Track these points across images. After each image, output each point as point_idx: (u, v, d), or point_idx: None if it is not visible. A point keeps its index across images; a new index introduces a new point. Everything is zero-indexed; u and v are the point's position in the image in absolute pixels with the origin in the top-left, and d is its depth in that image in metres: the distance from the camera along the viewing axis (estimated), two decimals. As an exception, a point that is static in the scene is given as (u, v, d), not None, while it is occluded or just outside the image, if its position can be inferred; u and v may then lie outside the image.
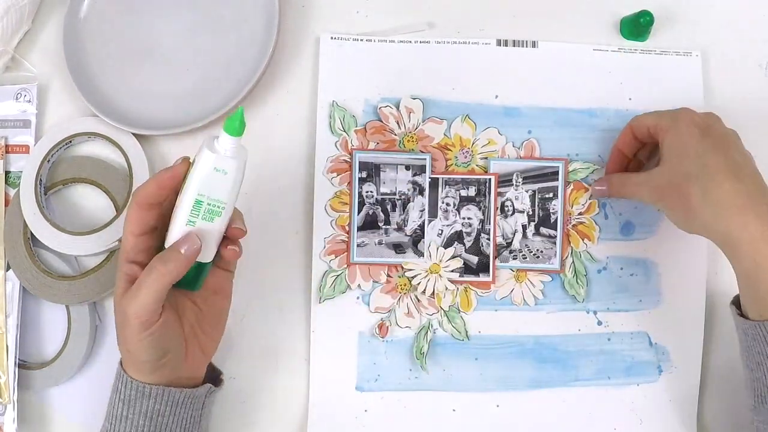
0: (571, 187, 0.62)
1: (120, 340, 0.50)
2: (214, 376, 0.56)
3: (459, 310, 0.61)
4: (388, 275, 0.62)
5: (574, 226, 0.62)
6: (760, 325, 0.49)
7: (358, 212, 0.62)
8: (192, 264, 0.47)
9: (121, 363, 0.52)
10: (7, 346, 0.60)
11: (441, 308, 0.61)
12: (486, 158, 0.62)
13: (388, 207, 0.62)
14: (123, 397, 0.51)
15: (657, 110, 0.58)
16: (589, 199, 0.62)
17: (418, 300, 0.62)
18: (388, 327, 0.61)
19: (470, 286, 0.62)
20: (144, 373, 0.50)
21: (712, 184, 0.51)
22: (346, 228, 0.62)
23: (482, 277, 0.62)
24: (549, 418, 0.61)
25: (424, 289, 0.61)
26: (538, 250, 0.62)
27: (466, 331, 0.61)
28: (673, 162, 0.53)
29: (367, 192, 0.62)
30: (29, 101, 0.64)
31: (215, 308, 0.53)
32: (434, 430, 0.61)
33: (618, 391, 0.61)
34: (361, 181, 0.62)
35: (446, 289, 0.61)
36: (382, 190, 0.62)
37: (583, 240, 0.62)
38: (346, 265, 0.61)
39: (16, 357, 0.60)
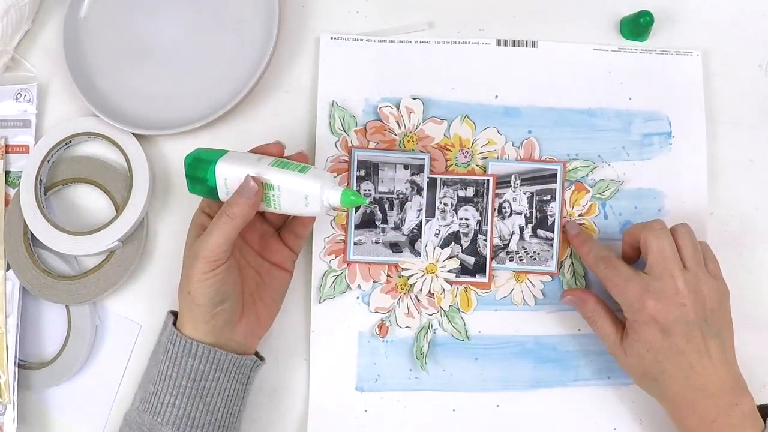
0: (573, 188, 0.62)
1: (182, 285, 0.53)
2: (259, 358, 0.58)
3: (459, 310, 0.61)
4: (388, 275, 0.62)
5: None
6: None
7: (356, 210, 0.62)
8: (256, 208, 0.51)
9: (173, 323, 0.54)
10: (7, 346, 0.60)
11: (441, 308, 0.61)
12: (486, 158, 0.62)
13: (386, 206, 0.62)
14: (170, 355, 0.53)
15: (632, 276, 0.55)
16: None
17: (418, 300, 0.61)
18: (388, 327, 0.61)
19: (470, 286, 0.62)
20: (197, 323, 0.53)
21: (663, 383, 0.54)
22: (346, 227, 0.62)
23: (479, 278, 0.61)
24: (549, 418, 0.61)
25: (420, 289, 0.61)
26: (535, 252, 0.62)
27: (466, 331, 0.61)
28: (631, 354, 0.55)
29: (365, 190, 0.62)
30: (29, 101, 0.64)
31: (275, 281, 0.58)
32: (434, 430, 0.61)
33: (618, 391, 0.61)
34: (359, 179, 0.62)
35: (443, 289, 0.61)
36: (380, 188, 0.62)
37: None
38: (346, 265, 0.61)
39: (16, 357, 0.60)
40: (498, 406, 0.61)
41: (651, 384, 0.55)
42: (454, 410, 0.61)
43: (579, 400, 0.61)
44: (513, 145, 0.63)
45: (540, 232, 0.62)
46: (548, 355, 0.61)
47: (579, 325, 0.62)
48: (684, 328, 0.53)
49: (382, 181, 0.62)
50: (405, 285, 0.61)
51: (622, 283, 0.55)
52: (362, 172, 0.62)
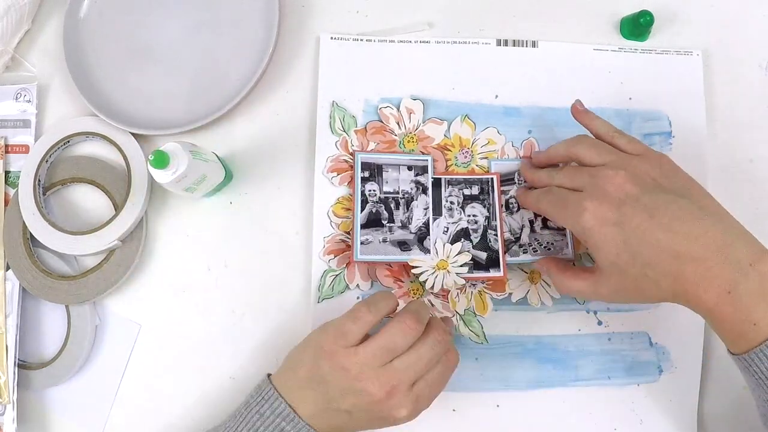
0: None
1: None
2: None
3: (475, 313, 0.61)
4: (399, 280, 0.61)
5: None
6: (739, 358, 0.49)
7: (361, 210, 0.61)
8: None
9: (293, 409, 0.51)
10: (7, 346, 0.60)
11: (456, 312, 0.61)
12: (486, 158, 0.62)
13: (392, 205, 0.61)
14: None
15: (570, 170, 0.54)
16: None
17: (432, 304, 0.61)
18: None
19: (485, 290, 0.61)
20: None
21: (657, 276, 0.48)
22: (352, 228, 0.61)
23: (493, 272, 0.60)
24: (549, 418, 0.61)
25: (432, 285, 0.61)
26: (548, 242, 0.61)
27: (484, 334, 0.61)
28: (611, 274, 0.50)
29: (369, 191, 0.61)
30: (29, 101, 0.64)
31: None
32: (434, 430, 0.61)
33: (618, 391, 0.61)
34: (364, 180, 0.61)
35: (455, 284, 0.60)
36: (385, 189, 0.61)
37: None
38: (345, 265, 0.61)
39: (15, 357, 0.60)
40: (498, 406, 0.61)
41: (649, 285, 0.49)
42: (454, 410, 0.61)
43: (579, 400, 0.61)
44: (513, 145, 0.63)
45: (551, 223, 0.61)
46: (548, 355, 0.61)
47: (579, 325, 0.62)
48: (633, 205, 0.48)
49: (387, 182, 0.61)
50: (417, 290, 0.61)
51: (562, 204, 0.53)
52: (366, 174, 0.61)
